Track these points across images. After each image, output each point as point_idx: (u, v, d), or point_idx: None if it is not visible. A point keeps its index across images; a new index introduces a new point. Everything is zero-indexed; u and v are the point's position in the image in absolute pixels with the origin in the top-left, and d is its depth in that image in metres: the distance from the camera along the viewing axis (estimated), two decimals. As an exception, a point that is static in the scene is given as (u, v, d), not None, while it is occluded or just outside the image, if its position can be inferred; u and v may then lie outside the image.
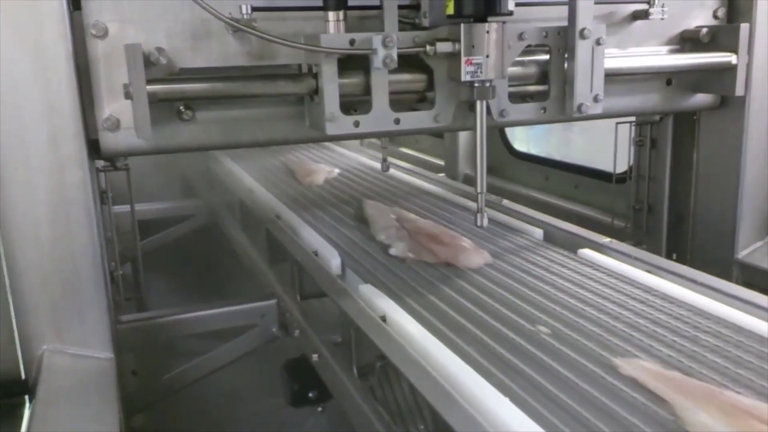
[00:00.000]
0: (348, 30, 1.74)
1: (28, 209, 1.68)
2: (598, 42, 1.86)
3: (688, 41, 2.25)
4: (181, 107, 1.78)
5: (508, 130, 3.85)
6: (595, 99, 1.90)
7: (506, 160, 3.83)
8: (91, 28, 1.68)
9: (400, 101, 1.83)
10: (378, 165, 3.71)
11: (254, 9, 1.73)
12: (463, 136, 4.02)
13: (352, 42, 1.71)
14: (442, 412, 1.33)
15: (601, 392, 1.34)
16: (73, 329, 1.78)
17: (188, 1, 1.70)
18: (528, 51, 1.89)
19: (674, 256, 2.60)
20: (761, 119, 2.28)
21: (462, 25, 1.71)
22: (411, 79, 1.85)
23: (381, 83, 1.76)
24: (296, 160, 3.85)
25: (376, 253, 2.24)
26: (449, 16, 1.71)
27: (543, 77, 1.96)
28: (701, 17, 2.26)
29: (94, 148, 1.76)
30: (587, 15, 1.84)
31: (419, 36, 1.77)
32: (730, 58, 2.15)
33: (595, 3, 1.87)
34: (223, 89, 1.74)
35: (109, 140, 1.76)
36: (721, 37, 2.20)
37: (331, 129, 1.74)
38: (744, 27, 2.14)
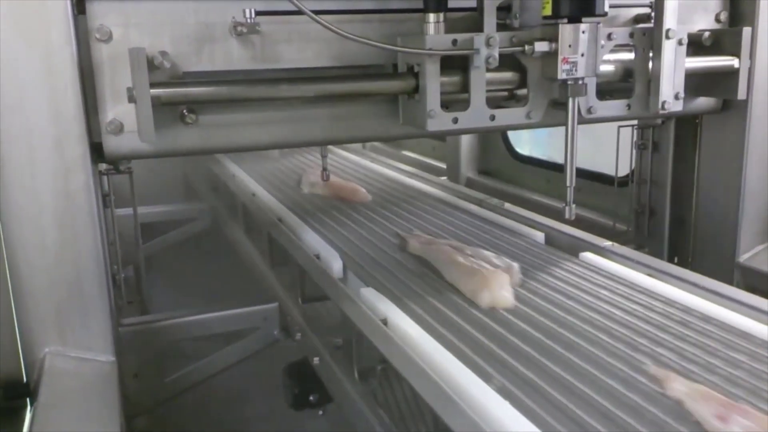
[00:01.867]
0: (447, 30, 1.80)
1: (32, 212, 1.69)
2: (680, 42, 1.94)
3: (690, 45, 2.25)
4: (184, 111, 1.79)
5: (511, 134, 3.85)
6: (677, 97, 1.97)
7: (508, 163, 3.84)
8: (96, 32, 1.69)
9: (491, 99, 1.88)
10: (381, 169, 3.73)
11: (258, 13, 1.74)
12: (465, 140, 4.02)
13: (454, 42, 1.77)
14: (443, 416, 1.34)
15: (602, 396, 1.34)
16: (75, 332, 1.78)
17: (192, 5, 1.71)
18: (611, 50, 1.94)
19: (676, 260, 2.60)
20: (763, 123, 2.28)
21: (559, 25, 1.75)
22: (505, 78, 1.91)
23: (479, 81, 1.82)
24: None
25: (378, 256, 2.24)
26: (545, 17, 1.76)
27: (625, 75, 2.02)
28: (703, 21, 2.26)
29: (97, 151, 1.77)
30: (673, 16, 1.90)
31: (517, 36, 1.82)
32: (733, 61, 2.15)
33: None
34: (227, 93, 1.74)
35: (112, 144, 1.76)
36: (723, 40, 2.20)
37: (432, 125, 1.81)
38: (746, 31, 2.14)
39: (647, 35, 1.95)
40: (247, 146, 1.97)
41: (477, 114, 1.85)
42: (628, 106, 2.01)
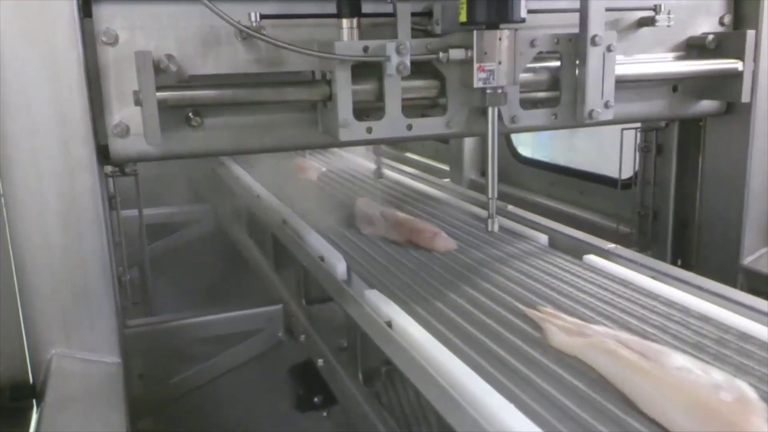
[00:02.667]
0: (361, 37, 1.76)
1: (38, 214, 1.69)
2: (608, 49, 1.87)
3: (694, 48, 2.25)
4: (190, 114, 1.80)
5: (514, 136, 3.86)
6: (606, 105, 1.91)
7: (511, 165, 3.84)
8: (102, 35, 1.70)
9: (412, 107, 1.84)
10: (384, 170, 3.73)
11: (263, 17, 1.74)
12: (468, 142, 4.03)
13: (365, 49, 1.72)
14: (448, 418, 1.34)
15: (606, 398, 1.35)
16: (81, 334, 1.79)
17: (198, 8, 1.72)
18: (538, 58, 1.89)
19: (679, 262, 2.61)
20: (767, 126, 2.29)
21: (474, 32, 1.72)
22: (423, 86, 1.87)
23: (394, 90, 1.78)
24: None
25: (383, 258, 2.25)
26: (462, 23, 1.72)
27: (553, 83, 1.97)
28: (707, 24, 2.26)
29: (103, 153, 1.78)
30: (598, 22, 1.85)
31: (432, 43, 1.78)
32: (736, 64, 2.16)
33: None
34: (232, 96, 1.75)
35: (118, 146, 1.77)
36: (727, 43, 2.20)
37: (344, 135, 1.75)
38: (750, 34, 2.14)
39: (573, 42, 1.89)
40: (252, 149, 1.97)
41: (392, 123, 1.79)
42: (555, 115, 1.95)
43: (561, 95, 1.94)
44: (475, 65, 1.73)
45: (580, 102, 1.91)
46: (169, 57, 1.72)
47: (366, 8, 1.78)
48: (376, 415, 1.88)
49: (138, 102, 1.62)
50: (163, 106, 1.64)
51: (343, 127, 1.74)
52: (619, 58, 2.04)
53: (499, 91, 1.77)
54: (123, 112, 1.75)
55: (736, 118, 2.32)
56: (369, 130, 1.78)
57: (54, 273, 1.74)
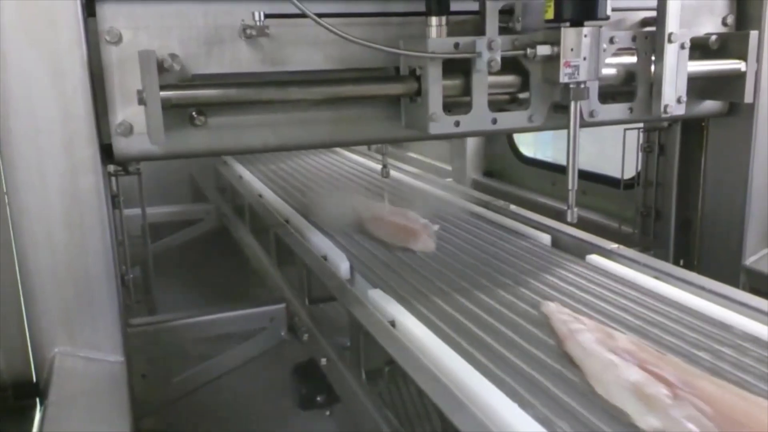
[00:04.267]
0: (450, 34, 1.79)
1: (42, 213, 1.69)
2: (682, 46, 1.92)
3: (697, 48, 2.25)
4: (193, 113, 1.80)
5: (516, 135, 3.85)
6: (679, 100, 1.96)
7: (514, 165, 3.84)
8: (106, 34, 1.69)
9: (493, 102, 1.88)
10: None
11: (267, 16, 1.75)
12: (470, 142, 4.03)
13: (456, 45, 1.76)
14: (451, 417, 1.34)
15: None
16: (84, 332, 1.79)
17: (202, 7, 1.72)
18: (614, 53, 1.94)
19: (681, 263, 2.60)
20: (770, 126, 2.29)
21: (562, 29, 1.75)
22: (508, 81, 1.91)
23: (481, 85, 1.82)
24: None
25: (386, 257, 2.25)
26: (548, 21, 1.75)
27: (627, 78, 2.01)
28: (710, 24, 2.26)
29: (106, 152, 1.77)
30: (675, 20, 1.89)
31: (519, 39, 1.82)
32: (739, 65, 2.15)
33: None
34: (236, 95, 1.75)
35: (122, 145, 1.77)
36: (730, 44, 2.20)
37: (434, 129, 1.80)
38: (753, 34, 2.14)
39: (649, 39, 1.94)
40: (256, 148, 1.97)
41: (479, 117, 1.84)
42: (630, 109, 2.00)
43: (637, 90, 1.99)
44: (562, 61, 1.76)
45: (656, 97, 1.95)
46: (173, 56, 1.73)
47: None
48: (379, 414, 1.88)
49: (142, 101, 1.62)
50: (167, 106, 1.63)
51: (432, 121, 1.79)
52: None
53: (583, 86, 1.80)
54: (126, 111, 1.75)
55: (739, 118, 2.32)
56: (457, 123, 1.82)
57: (57, 271, 1.73)
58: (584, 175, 3.36)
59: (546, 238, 2.40)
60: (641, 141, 2.72)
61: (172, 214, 4.35)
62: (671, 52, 1.92)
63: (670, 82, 1.94)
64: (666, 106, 1.95)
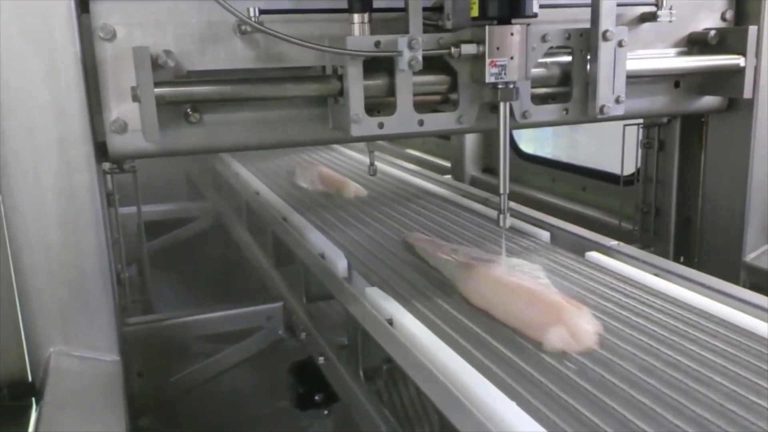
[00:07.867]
0: (372, 32, 1.75)
1: (36, 211, 1.68)
2: (620, 44, 1.87)
3: (696, 43, 2.24)
4: (188, 110, 1.78)
5: (516, 132, 3.84)
6: (617, 100, 1.91)
7: (513, 161, 3.82)
8: (99, 30, 1.68)
9: (423, 103, 1.83)
10: (383, 166, 3.71)
11: (262, 12, 1.73)
12: (469, 138, 4.02)
13: (377, 44, 1.71)
14: (449, 416, 1.33)
15: (610, 397, 1.34)
16: (80, 332, 1.78)
17: (196, 4, 1.71)
18: (549, 53, 1.89)
19: (682, 259, 2.60)
20: (770, 122, 2.28)
21: (486, 27, 1.71)
22: (434, 81, 1.86)
23: (405, 85, 1.77)
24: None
25: (383, 255, 2.24)
26: (473, 18, 1.71)
27: (564, 79, 1.96)
28: (709, 19, 2.25)
29: (101, 150, 1.76)
30: (610, 17, 1.84)
31: (444, 38, 1.77)
32: (738, 60, 2.15)
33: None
34: (231, 92, 1.74)
35: (116, 143, 1.76)
36: (729, 39, 2.19)
37: (356, 130, 1.74)
38: (752, 29, 2.13)
39: (584, 36, 1.88)
40: (251, 145, 1.96)
41: (404, 118, 1.78)
42: (566, 110, 1.94)
43: (572, 90, 1.94)
44: (487, 60, 1.71)
45: (592, 97, 1.90)
46: (167, 53, 1.71)
47: (377, 3, 1.77)
48: (377, 413, 1.87)
49: (136, 98, 1.61)
50: (162, 102, 1.62)
51: (354, 122, 1.73)
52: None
53: (511, 86, 1.76)
54: (121, 108, 1.73)
55: (739, 114, 2.31)
56: (381, 125, 1.77)
57: (52, 270, 1.73)
58: (584, 172, 3.36)
59: (545, 235, 2.39)
60: (641, 137, 2.71)
61: (168, 212, 4.34)
62: (606, 51, 1.85)
63: (605, 82, 1.88)
64: (602, 107, 1.89)
